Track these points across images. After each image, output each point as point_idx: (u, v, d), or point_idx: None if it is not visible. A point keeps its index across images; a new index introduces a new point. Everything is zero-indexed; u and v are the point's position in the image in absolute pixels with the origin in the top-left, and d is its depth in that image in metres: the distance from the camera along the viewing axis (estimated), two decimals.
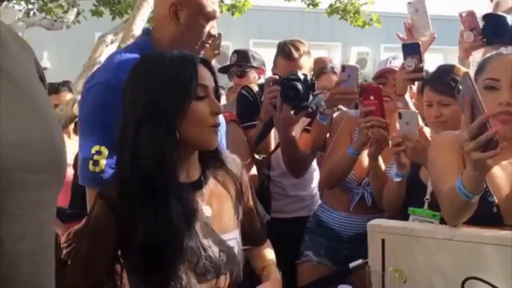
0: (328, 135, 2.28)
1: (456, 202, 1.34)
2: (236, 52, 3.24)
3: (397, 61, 2.21)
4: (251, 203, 1.48)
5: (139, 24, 4.11)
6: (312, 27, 11.40)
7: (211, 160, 1.38)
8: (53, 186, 0.73)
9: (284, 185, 2.37)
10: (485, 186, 1.43)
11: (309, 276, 2.15)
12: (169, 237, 1.20)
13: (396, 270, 1.36)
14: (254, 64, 3.13)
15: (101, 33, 5.39)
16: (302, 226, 2.30)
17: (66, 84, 3.88)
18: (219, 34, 2.19)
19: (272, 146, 2.32)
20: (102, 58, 4.95)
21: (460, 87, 1.29)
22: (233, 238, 1.35)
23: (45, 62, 11.07)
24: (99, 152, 1.54)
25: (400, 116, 1.89)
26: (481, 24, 2.29)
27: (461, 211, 1.35)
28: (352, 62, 10.38)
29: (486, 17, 2.28)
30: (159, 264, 1.21)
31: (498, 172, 1.47)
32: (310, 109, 2.16)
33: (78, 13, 7.01)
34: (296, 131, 2.25)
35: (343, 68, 2.15)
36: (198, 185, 1.32)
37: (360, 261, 1.82)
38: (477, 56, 2.34)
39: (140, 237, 1.19)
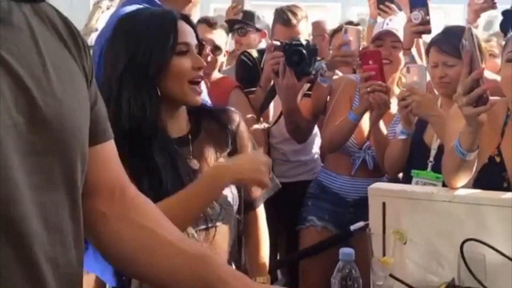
0: (328, 98, 2.27)
1: (453, 161, 1.37)
2: (243, 11, 3.19)
3: (393, 23, 2.19)
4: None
5: None
6: None
7: (203, 115, 1.38)
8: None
9: (285, 151, 2.38)
10: (499, 160, 1.45)
11: (313, 241, 2.17)
12: (156, 186, 1.22)
13: (397, 232, 1.38)
14: (258, 25, 3.09)
15: None
16: (305, 190, 2.31)
17: None
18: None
19: (271, 114, 2.32)
20: (98, 25, 4.88)
21: (464, 42, 1.30)
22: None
23: None
24: None
25: (408, 70, 1.89)
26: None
27: (458, 170, 1.38)
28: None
29: (504, 13, 2.23)
30: None
31: None
32: (312, 76, 2.15)
33: None
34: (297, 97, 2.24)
35: (345, 30, 2.13)
36: (185, 139, 1.33)
37: (361, 224, 1.84)
38: (484, 18, 2.30)
39: None
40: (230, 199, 1.35)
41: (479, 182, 1.46)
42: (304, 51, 2.05)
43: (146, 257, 0.84)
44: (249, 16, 3.09)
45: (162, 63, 1.25)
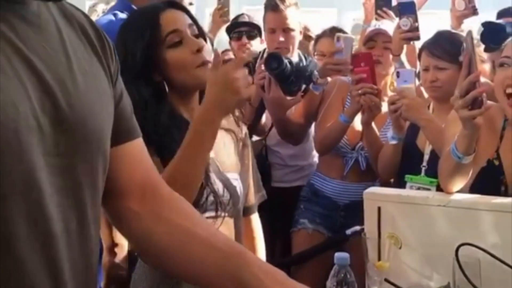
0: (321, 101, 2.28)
1: (449, 164, 1.38)
2: (248, 16, 3.18)
3: (385, 25, 2.22)
4: (251, 164, 1.47)
5: None
6: None
7: None
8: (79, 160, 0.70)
9: (282, 155, 2.38)
10: (497, 164, 1.45)
11: (304, 243, 2.19)
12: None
13: (392, 237, 1.38)
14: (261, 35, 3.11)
15: (92, 2, 5.30)
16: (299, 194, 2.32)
17: None
18: (228, 0, 2.17)
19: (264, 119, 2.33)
20: None
21: (464, 45, 1.31)
22: (235, 178, 1.36)
23: None
24: None
25: (398, 74, 1.90)
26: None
27: (454, 174, 1.38)
28: (348, 28, 10.24)
29: (485, 24, 2.30)
30: None
31: None
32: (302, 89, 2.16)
33: None
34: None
35: (338, 38, 2.14)
36: None
37: (356, 228, 1.84)
38: (469, 25, 2.35)
39: None
40: (238, 191, 1.35)
41: (476, 185, 1.47)
42: (283, 58, 2.06)
43: (179, 254, 0.84)
44: (256, 26, 3.02)
45: (151, 59, 1.26)
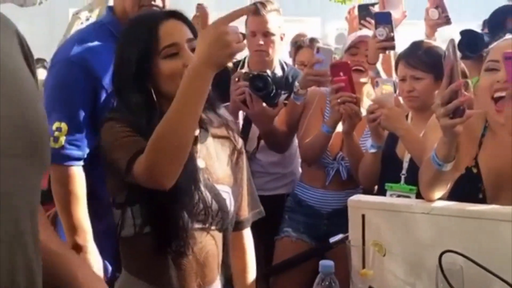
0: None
1: (429, 172, 1.39)
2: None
3: (367, 31, 2.27)
4: (245, 179, 1.46)
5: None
6: (291, 2, 11.31)
7: (211, 117, 1.38)
8: (29, 170, 0.71)
9: (263, 163, 2.38)
10: (475, 171, 1.47)
11: (287, 251, 2.19)
12: None
13: (376, 244, 1.38)
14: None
15: (76, 10, 5.27)
16: (283, 203, 2.32)
17: (40, 62, 3.80)
18: (204, 7, 2.18)
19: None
20: None
21: (446, 53, 1.32)
22: (225, 191, 1.35)
23: None
24: (59, 129, 1.62)
25: (376, 84, 1.92)
26: (446, 4, 2.37)
27: (434, 182, 1.39)
28: (331, 37, 10.33)
29: (463, 32, 2.36)
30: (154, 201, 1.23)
31: (494, 159, 1.49)
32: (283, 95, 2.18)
33: None
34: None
35: (318, 50, 2.17)
36: (193, 140, 1.32)
37: (340, 236, 1.85)
38: (443, 33, 2.41)
39: None
40: (228, 203, 1.34)
41: (454, 192, 1.47)
42: (269, 79, 2.07)
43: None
44: None
45: (145, 69, 1.26)
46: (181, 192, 1.23)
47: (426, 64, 1.91)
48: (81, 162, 1.66)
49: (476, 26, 2.80)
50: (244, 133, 2.24)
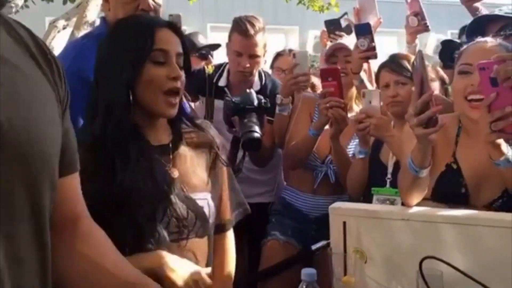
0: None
1: (407, 178, 1.42)
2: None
3: (345, 39, 2.33)
4: (225, 181, 1.45)
5: (93, 10, 4.00)
6: (270, 10, 11.38)
7: (184, 126, 1.37)
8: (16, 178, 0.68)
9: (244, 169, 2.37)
10: (455, 167, 1.50)
11: (275, 254, 2.17)
12: (134, 191, 1.20)
13: (357, 251, 1.39)
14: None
15: (52, 18, 5.22)
16: (265, 210, 2.31)
17: None
18: (179, 16, 2.17)
19: None
20: (54, 44, 4.79)
21: (415, 64, 1.36)
22: (202, 198, 1.33)
23: None
24: None
25: (363, 94, 1.96)
26: (425, 12, 2.44)
27: (412, 187, 1.42)
28: (309, 45, 10.43)
29: (443, 43, 2.46)
30: (127, 217, 1.20)
31: (471, 154, 1.53)
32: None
33: None
34: None
35: (294, 55, 2.22)
36: (166, 148, 1.32)
37: (322, 243, 1.85)
38: (424, 39, 2.49)
39: (106, 189, 1.20)
40: (206, 211, 1.33)
41: (438, 189, 1.51)
42: (257, 130, 1.96)
43: (81, 282, 0.88)
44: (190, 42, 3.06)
45: (135, 71, 1.24)
46: (151, 207, 1.22)
47: (408, 70, 1.96)
48: None
49: (449, 35, 2.87)
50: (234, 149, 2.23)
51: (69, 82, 1.67)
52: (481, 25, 2.11)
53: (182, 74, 1.30)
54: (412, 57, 2.09)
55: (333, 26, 2.63)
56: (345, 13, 2.53)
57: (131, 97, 1.24)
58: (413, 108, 1.32)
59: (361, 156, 2.00)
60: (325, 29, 2.74)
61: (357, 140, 2.16)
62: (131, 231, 1.20)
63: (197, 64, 3.01)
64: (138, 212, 1.20)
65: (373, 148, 2.02)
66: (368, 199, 1.95)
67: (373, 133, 1.92)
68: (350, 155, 2.14)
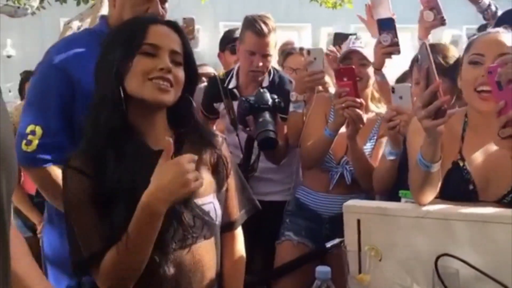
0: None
1: (418, 175, 1.39)
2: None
3: (359, 42, 2.26)
4: (232, 182, 1.44)
5: (106, 10, 4.03)
6: (282, 8, 11.35)
7: (186, 128, 1.36)
8: None
9: (259, 168, 2.37)
10: (462, 164, 1.48)
11: (289, 255, 2.17)
12: (134, 201, 1.18)
13: (372, 249, 1.38)
14: None
15: (67, 19, 5.27)
16: (280, 210, 2.31)
17: (32, 74, 3.77)
18: (192, 19, 2.18)
19: None
20: None
21: (419, 56, 1.34)
22: (208, 202, 1.32)
23: (9, 50, 10.76)
24: (33, 132, 1.61)
25: (393, 90, 1.90)
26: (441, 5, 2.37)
27: (424, 184, 1.39)
28: (322, 42, 10.38)
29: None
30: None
31: (478, 150, 1.51)
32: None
33: None
34: None
35: (308, 52, 2.18)
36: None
37: (336, 241, 1.85)
38: (438, 35, 2.43)
39: (110, 198, 1.20)
40: (212, 214, 1.32)
41: (446, 187, 1.48)
42: (272, 129, 2.08)
43: None
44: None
45: (125, 60, 1.25)
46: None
47: (441, 68, 1.90)
48: (56, 164, 1.62)
49: (465, 30, 2.83)
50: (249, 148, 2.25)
51: (51, 76, 1.69)
52: None
53: (179, 70, 1.29)
54: (451, 49, 2.05)
55: (340, 39, 2.60)
56: (355, 34, 2.50)
57: (121, 91, 1.24)
58: (420, 101, 1.30)
59: (391, 158, 1.92)
60: (331, 48, 2.69)
61: (373, 140, 2.13)
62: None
63: (229, 59, 3.02)
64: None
65: (404, 147, 1.95)
66: (394, 200, 1.90)
67: (404, 130, 1.83)
68: (367, 154, 2.12)
